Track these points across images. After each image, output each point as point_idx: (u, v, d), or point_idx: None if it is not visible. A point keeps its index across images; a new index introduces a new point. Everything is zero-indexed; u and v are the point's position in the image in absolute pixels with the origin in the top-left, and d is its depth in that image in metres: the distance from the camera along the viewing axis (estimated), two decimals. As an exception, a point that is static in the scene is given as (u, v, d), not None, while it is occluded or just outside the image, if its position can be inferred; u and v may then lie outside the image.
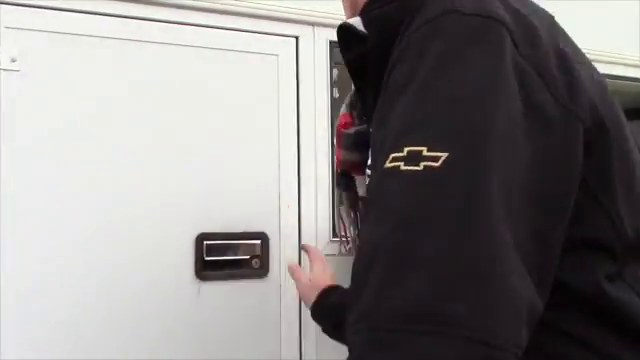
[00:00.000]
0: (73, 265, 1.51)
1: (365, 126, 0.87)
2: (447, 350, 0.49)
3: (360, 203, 0.93)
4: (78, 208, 1.52)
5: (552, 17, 0.75)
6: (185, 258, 1.62)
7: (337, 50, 1.79)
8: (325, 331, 1.33)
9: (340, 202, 1.04)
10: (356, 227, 1.00)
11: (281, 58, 1.75)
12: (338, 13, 1.77)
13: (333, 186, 1.78)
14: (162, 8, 1.63)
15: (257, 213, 1.70)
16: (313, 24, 1.77)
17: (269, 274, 1.70)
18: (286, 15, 1.75)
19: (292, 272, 1.45)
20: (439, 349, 0.50)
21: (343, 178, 0.99)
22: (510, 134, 0.58)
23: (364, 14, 0.81)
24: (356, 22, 0.80)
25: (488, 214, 0.54)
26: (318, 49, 1.78)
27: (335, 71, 1.81)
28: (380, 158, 0.61)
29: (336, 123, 0.96)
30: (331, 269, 1.40)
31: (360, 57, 0.80)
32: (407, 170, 0.57)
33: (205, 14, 1.68)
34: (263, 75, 1.73)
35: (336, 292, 1.31)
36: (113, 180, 1.55)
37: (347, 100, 0.98)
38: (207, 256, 1.63)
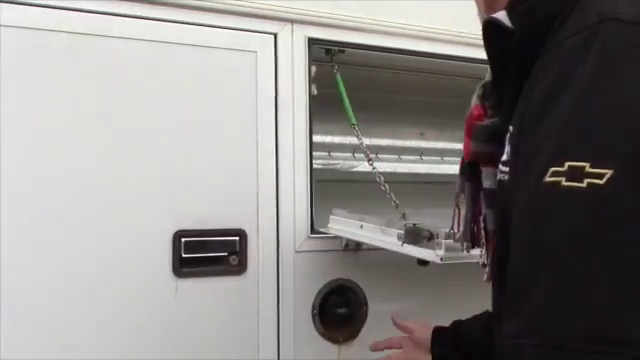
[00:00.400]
0: (48, 263, 1.48)
1: (498, 119, 0.86)
2: None
3: (482, 194, 0.91)
4: (54, 205, 1.49)
5: None
6: (162, 255, 1.60)
7: (315, 47, 1.81)
8: None
9: (461, 190, 1.00)
10: (472, 218, 0.99)
11: (259, 55, 1.74)
12: (317, 10, 1.79)
13: (312, 183, 1.78)
14: (142, 5, 1.61)
15: (235, 210, 1.69)
16: (292, 21, 1.77)
17: (247, 271, 1.70)
18: (264, 12, 1.75)
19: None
20: None
21: (469, 169, 0.96)
22: None
23: (510, 8, 0.79)
24: (502, 16, 0.79)
25: None
26: (297, 46, 1.78)
27: (314, 68, 1.81)
28: (534, 169, 0.62)
29: (467, 113, 0.93)
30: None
31: (504, 52, 0.79)
32: (570, 186, 0.58)
33: (184, 11, 1.66)
34: (241, 72, 1.73)
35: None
36: (89, 176, 1.53)
37: (479, 91, 0.94)
38: (184, 253, 1.62)
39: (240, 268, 1.69)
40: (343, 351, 1.81)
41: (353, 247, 1.81)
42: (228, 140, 1.70)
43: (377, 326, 1.84)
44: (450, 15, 2.01)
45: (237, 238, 1.68)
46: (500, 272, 0.76)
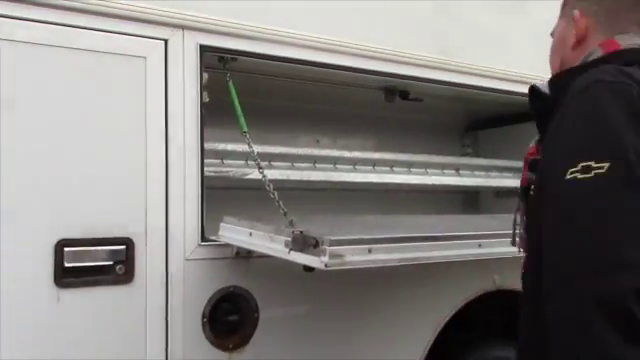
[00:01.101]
0: None
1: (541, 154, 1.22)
2: None
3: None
4: None
5: None
6: (43, 265, 1.54)
7: (208, 54, 1.80)
8: None
9: (517, 209, 1.37)
10: (525, 228, 1.33)
11: (149, 61, 1.72)
12: (209, 17, 1.78)
13: (202, 190, 1.77)
14: (31, 7, 1.55)
15: (122, 218, 1.66)
16: (183, 27, 1.76)
17: (134, 280, 1.66)
18: (155, 17, 1.73)
19: None
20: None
21: (524, 192, 1.32)
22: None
23: (551, 82, 1.22)
24: (543, 86, 1.22)
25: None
26: (188, 53, 1.77)
27: (206, 75, 1.80)
28: (555, 173, 1.02)
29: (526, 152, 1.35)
30: None
31: (544, 110, 1.19)
32: (583, 177, 0.98)
33: (70, 14, 1.61)
34: (130, 78, 1.69)
35: None
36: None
37: (537, 137, 1.30)
38: (67, 262, 1.57)
39: (127, 277, 1.65)
40: (234, 358, 1.81)
41: (244, 254, 1.82)
42: (115, 146, 1.66)
43: (268, 332, 1.86)
44: (345, 27, 2.06)
45: (124, 247, 1.65)
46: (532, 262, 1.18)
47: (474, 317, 2.36)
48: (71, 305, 1.58)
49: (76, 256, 1.58)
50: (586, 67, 1.15)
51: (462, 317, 2.28)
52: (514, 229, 1.41)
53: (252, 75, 2.09)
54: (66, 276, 1.57)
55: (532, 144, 1.32)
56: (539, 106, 1.23)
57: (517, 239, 1.40)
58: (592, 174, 0.97)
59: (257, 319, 1.85)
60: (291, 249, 1.47)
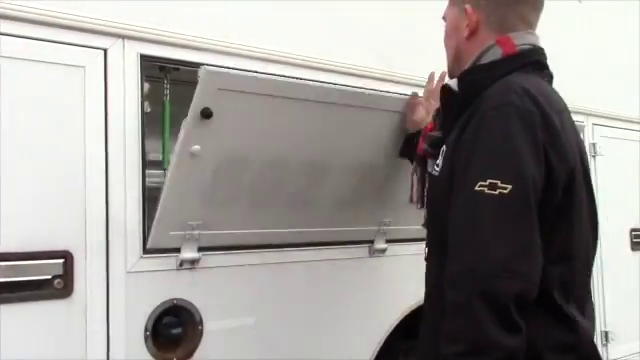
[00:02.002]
0: None
1: (440, 133, 1.47)
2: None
3: (427, 175, 1.58)
4: None
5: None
6: (-24, 281, 1.49)
7: (148, 64, 1.78)
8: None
9: (414, 172, 1.75)
10: (419, 185, 1.72)
11: (88, 70, 1.69)
12: (149, 27, 1.77)
13: (145, 201, 1.74)
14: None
15: (60, 231, 1.62)
16: (123, 37, 1.74)
17: (73, 295, 1.62)
18: (94, 27, 1.70)
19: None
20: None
21: (421, 160, 1.64)
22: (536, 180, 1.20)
23: (459, 79, 1.39)
24: (453, 84, 1.39)
25: (533, 220, 1.19)
26: (128, 62, 1.74)
27: (147, 85, 1.78)
28: (468, 182, 1.20)
29: (424, 126, 1.68)
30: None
31: (451, 103, 1.40)
32: (489, 193, 1.17)
33: (9, 22, 1.57)
34: (69, 87, 1.66)
35: None
36: None
37: (434, 113, 1.58)
38: (2, 277, 1.52)
39: (65, 292, 1.61)
40: (178, 372, 1.78)
41: (188, 266, 1.80)
42: (53, 157, 1.62)
43: (213, 345, 1.84)
44: (292, 39, 2.08)
45: (62, 260, 1.61)
46: (433, 228, 1.43)
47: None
48: (8, 321, 1.53)
49: (12, 270, 1.54)
50: (491, 69, 1.35)
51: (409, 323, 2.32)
52: (412, 189, 1.75)
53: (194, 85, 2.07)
54: (2, 291, 1.52)
55: (430, 120, 1.61)
56: (449, 100, 1.41)
57: (414, 197, 1.76)
58: (497, 192, 1.17)
59: (201, 331, 1.83)
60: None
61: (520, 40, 1.38)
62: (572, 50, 2.95)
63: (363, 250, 2.22)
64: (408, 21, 2.39)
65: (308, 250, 2.07)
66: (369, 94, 1.92)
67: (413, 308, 2.29)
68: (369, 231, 2.21)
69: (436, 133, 1.50)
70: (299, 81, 1.94)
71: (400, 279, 2.29)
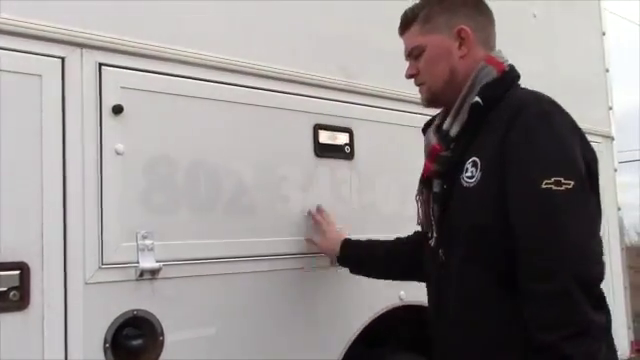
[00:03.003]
0: None
1: (450, 153, 1.57)
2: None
3: (432, 196, 1.62)
4: None
5: None
6: None
7: (107, 72, 1.77)
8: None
9: (420, 194, 1.71)
10: (426, 208, 1.67)
11: (45, 79, 1.67)
12: (107, 35, 1.76)
13: (102, 213, 1.72)
14: None
15: (16, 242, 1.58)
16: (81, 45, 1.72)
17: (29, 307, 1.59)
18: (51, 35, 1.68)
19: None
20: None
21: (427, 182, 1.65)
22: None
23: (484, 96, 1.51)
24: (480, 100, 1.51)
25: (593, 207, 1.42)
26: (86, 71, 1.73)
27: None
28: (530, 180, 1.35)
29: (429, 145, 1.64)
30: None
31: (476, 119, 1.52)
32: (557, 189, 1.32)
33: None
34: (24, 97, 1.64)
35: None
36: None
37: (435, 135, 1.64)
38: (-45, 290, 1.48)
39: (21, 304, 1.57)
40: (138, 384, 1.75)
41: (148, 277, 1.78)
42: (9, 169, 1.59)
43: (175, 355, 1.82)
44: (251, 49, 2.09)
45: (18, 272, 1.57)
46: (471, 236, 1.48)
47: (385, 332, 2.41)
48: (-41, 335, 1.49)
49: (-35, 283, 1.50)
50: (501, 84, 1.54)
51: (373, 332, 2.33)
52: (419, 211, 1.74)
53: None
54: (-46, 304, 1.48)
55: (435, 141, 1.62)
56: (476, 115, 1.53)
57: (421, 218, 1.73)
58: (563, 187, 1.32)
59: (162, 342, 1.81)
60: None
61: (501, 59, 1.59)
62: (525, 65, 3.03)
63: (325, 260, 2.23)
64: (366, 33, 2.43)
65: (268, 260, 2.07)
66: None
67: (378, 314, 2.32)
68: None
69: (446, 153, 1.58)
70: (201, 82, 1.98)
71: (361, 288, 2.31)
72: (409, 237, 1.98)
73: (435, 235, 1.61)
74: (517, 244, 1.37)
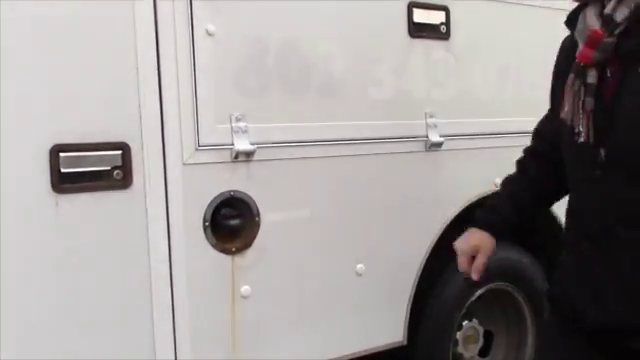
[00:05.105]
0: None
1: (615, 39, 1.35)
2: None
3: (584, 87, 1.39)
4: None
5: None
6: (39, 171, 1.52)
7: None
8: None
9: (572, 83, 1.41)
10: (581, 104, 1.40)
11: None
12: None
13: (196, 94, 1.72)
14: None
15: (117, 123, 1.62)
16: None
17: (133, 185, 1.64)
18: None
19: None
20: None
21: (584, 70, 1.39)
22: None
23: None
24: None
25: None
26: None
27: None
28: None
29: (588, 29, 1.38)
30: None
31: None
32: None
33: None
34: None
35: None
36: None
37: (596, 20, 1.38)
38: (64, 168, 1.54)
39: (125, 182, 1.63)
40: (237, 261, 1.82)
41: (243, 159, 1.79)
42: (105, 46, 1.60)
43: (271, 235, 1.87)
44: None
45: (120, 152, 1.62)
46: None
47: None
48: (71, 212, 1.57)
49: (73, 162, 1.56)
50: None
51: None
52: (578, 117, 1.40)
53: None
54: (63, 182, 1.55)
55: (594, 25, 1.38)
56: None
57: (581, 128, 1.39)
58: None
59: (259, 223, 1.85)
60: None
61: None
62: None
63: (419, 144, 2.17)
64: None
65: (363, 144, 2.04)
66: None
67: (472, 201, 2.27)
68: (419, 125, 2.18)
69: (611, 39, 1.36)
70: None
71: (458, 174, 2.25)
72: (537, 170, 1.72)
73: (588, 130, 1.39)
74: None
